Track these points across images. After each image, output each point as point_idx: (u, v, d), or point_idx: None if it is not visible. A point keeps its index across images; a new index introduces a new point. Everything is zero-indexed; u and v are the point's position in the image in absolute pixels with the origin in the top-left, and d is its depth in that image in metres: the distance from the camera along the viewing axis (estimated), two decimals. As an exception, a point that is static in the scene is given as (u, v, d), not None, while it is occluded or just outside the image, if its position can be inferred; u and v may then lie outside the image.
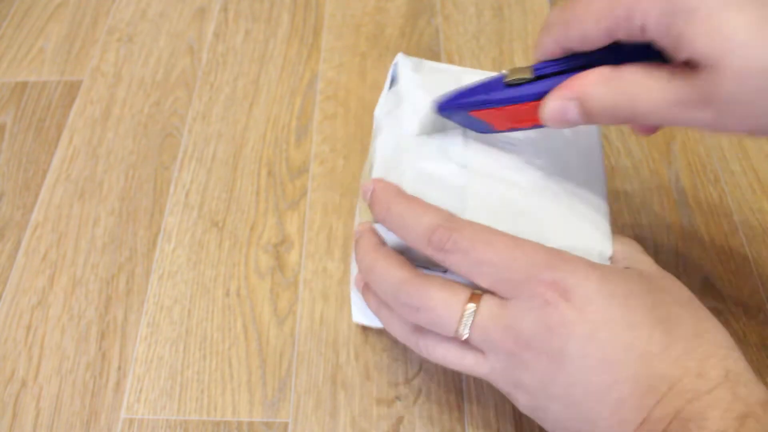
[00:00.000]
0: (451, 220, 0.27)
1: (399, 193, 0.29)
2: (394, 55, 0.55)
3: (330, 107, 0.51)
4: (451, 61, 0.54)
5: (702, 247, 0.43)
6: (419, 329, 0.29)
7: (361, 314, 0.36)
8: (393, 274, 0.28)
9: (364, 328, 0.40)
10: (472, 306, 0.27)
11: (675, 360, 0.24)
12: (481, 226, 0.27)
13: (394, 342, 0.39)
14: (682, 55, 0.23)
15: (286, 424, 0.37)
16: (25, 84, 0.54)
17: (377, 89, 0.52)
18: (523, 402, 0.28)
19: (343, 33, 0.57)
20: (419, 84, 0.32)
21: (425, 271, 0.30)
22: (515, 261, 0.26)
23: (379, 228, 0.31)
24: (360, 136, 0.49)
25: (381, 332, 0.40)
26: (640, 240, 0.44)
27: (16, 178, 0.48)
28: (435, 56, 0.55)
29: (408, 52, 0.55)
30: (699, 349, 0.25)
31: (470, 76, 0.32)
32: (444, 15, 0.58)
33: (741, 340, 0.39)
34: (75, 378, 0.39)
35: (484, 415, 0.37)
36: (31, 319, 0.41)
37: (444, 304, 0.27)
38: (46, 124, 0.51)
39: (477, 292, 0.27)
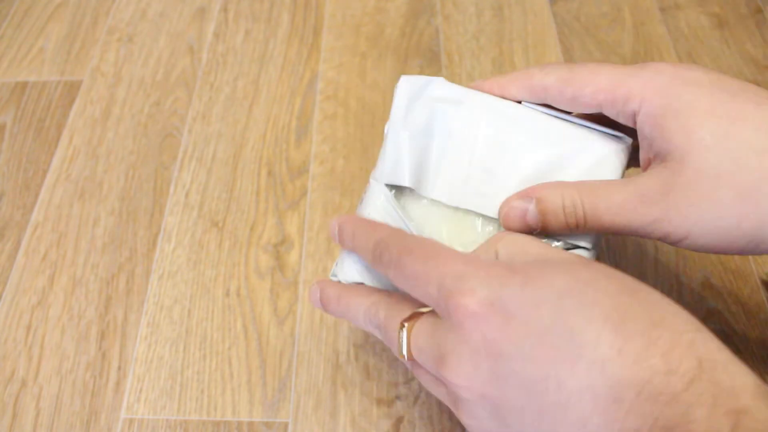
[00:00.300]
0: (392, 234, 0.26)
1: (360, 220, 0.29)
2: (394, 55, 0.55)
3: (330, 107, 0.51)
4: (451, 61, 0.54)
5: (702, 247, 0.43)
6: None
7: None
8: (362, 305, 0.28)
9: (364, 328, 0.40)
10: (405, 325, 0.25)
11: (635, 361, 0.21)
12: (417, 238, 0.26)
13: (394, 342, 0.40)
14: (654, 147, 0.26)
15: (286, 424, 0.37)
16: (25, 84, 0.54)
17: (377, 89, 0.52)
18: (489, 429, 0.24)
19: (343, 33, 0.57)
20: (404, 121, 0.31)
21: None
22: (429, 274, 0.24)
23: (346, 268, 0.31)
24: (360, 136, 0.49)
25: (381, 332, 0.40)
26: (641, 241, 0.44)
27: (16, 178, 0.48)
28: (435, 56, 0.55)
29: (408, 52, 0.55)
30: (660, 342, 0.21)
31: (477, 98, 0.31)
32: (444, 15, 0.58)
33: (741, 340, 0.39)
34: (75, 378, 0.39)
35: (484, 415, 0.37)
36: (31, 319, 0.41)
37: (388, 324, 0.26)
38: (46, 124, 0.51)
39: (420, 311, 0.26)
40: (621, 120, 0.28)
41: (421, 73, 0.53)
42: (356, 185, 0.47)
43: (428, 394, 0.37)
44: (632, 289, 0.23)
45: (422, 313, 0.25)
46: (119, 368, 0.39)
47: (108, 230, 0.45)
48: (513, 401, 0.22)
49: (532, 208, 0.28)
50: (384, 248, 0.26)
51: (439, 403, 0.37)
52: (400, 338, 0.25)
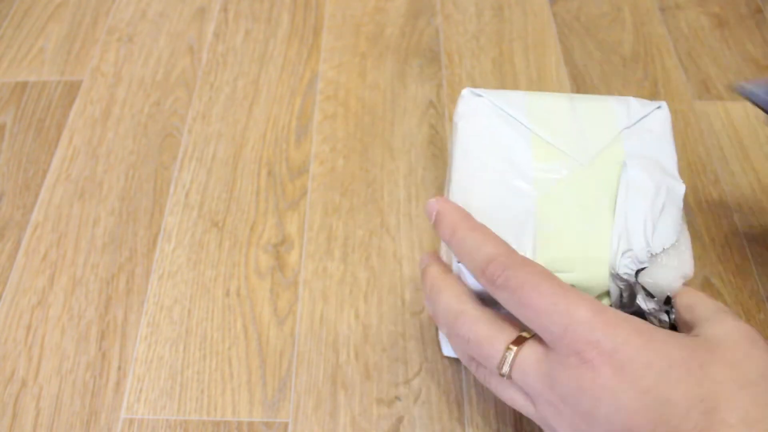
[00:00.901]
0: (508, 255, 0.27)
1: (465, 217, 0.29)
2: (394, 55, 0.55)
3: (330, 107, 0.51)
4: (451, 61, 0.54)
5: (702, 247, 0.43)
6: (476, 359, 0.29)
7: (449, 347, 0.37)
8: (450, 306, 0.29)
9: (364, 328, 0.40)
10: (513, 348, 0.27)
11: None
12: (537, 267, 0.27)
13: (394, 342, 0.39)
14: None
15: (286, 424, 0.37)
16: (25, 84, 0.54)
17: (377, 89, 0.52)
18: None
19: (343, 33, 0.57)
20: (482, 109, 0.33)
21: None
22: (555, 312, 0.25)
23: (445, 251, 0.31)
24: (360, 136, 0.49)
25: (381, 332, 0.40)
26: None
27: (16, 178, 0.48)
28: (435, 56, 0.55)
29: (408, 52, 0.55)
30: None
31: (537, 100, 0.33)
32: (444, 15, 0.58)
33: (741, 340, 0.39)
34: (75, 378, 0.39)
35: (484, 415, 0.37)
36: (31, 319, 0.41)
37: (489, 342, 0.27)
38: (46, 124, 0.51)
39: (524, 335, 0.27)
40: None
41: (420, 73, 0.53)
42: (356, 185, 0.47)
43: (428, 394, 0.37)
44: (751, 387, 0.23)
45: (526, 338, 0.27)
46: (119, 368, 0.39)
47: (108, 230, 0.45)
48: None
49: None
50: (499, 270, 0.27)
51: (439, 403, 0.37)
52: (504, 359, 0.27)
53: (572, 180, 0.31)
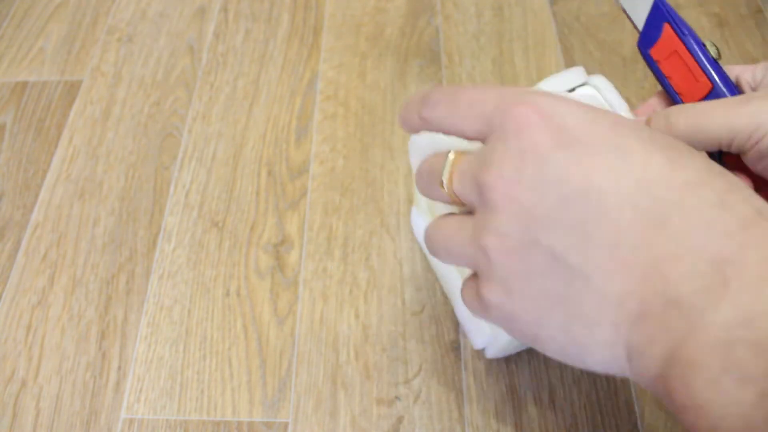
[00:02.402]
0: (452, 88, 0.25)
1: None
2: (394, 55, 0.55)
3: (330, 107, 0.51)
4: (451, 61, 0.54)
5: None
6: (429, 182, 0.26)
7: (480, 338, 0.36)
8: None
9: (364, 328, 0.40)
10: (452, 154, 0.23)
11: (685, 188, 0.19)
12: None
13: (394, 342, 0.39)
14: None
15: (286, 424, 0.37)
16: (25, 84, 0.54)
17: (377, 89, 0.52)
18: (497, 292, 0.22)
19: (343, 33, 0.57)
20: None
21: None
22: (488, 95, 0.22)
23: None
24: (360, 136, 0.49)
25: (381, 332, 0.40)
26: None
27: (16, 178, 0.48)
28: (435, 56, 0.55)
29: (408, 52, 0.55)
30: (715, 183, 0.19)
31: None
32: (444, 15, 0.58)
33: (741, 340, 0.39)
34: (75, 378, 0.39)
35: (484, 415, 0.37)
36: (31, 319, 0.41)
37: (434, 161, 0.24)
38: (46, 124, 0.51)
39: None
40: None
41: (420, 73, 0.53)
42: (356, 185, 0.47)
43: (428, 394, 0.37)
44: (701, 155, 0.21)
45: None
46: (119, 368, 0.39)
47: (108, 230, 0.45)
48: (548, 211, 0.20)
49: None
50: (433, 91, 0.24)
51: (439, 403, 0.37)
52: (444, 165, 0.23)
53: None
